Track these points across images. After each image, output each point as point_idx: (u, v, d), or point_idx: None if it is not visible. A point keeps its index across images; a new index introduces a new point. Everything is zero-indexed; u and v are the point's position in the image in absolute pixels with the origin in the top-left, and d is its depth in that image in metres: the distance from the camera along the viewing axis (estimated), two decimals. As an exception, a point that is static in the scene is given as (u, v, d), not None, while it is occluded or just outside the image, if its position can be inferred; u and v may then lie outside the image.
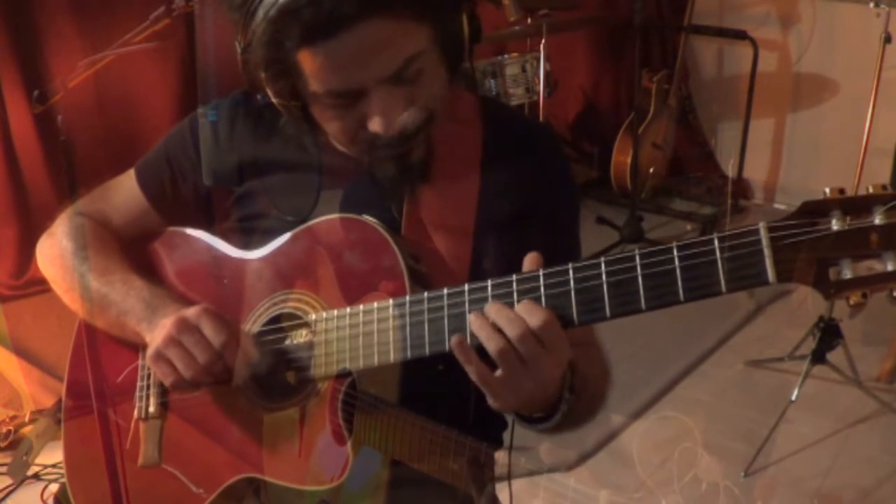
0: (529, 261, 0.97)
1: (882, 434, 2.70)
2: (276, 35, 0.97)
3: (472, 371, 0.95)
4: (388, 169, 1.09)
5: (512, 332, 0.92)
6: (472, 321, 0.95)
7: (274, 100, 1.06)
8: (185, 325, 1.11)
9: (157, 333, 1.14)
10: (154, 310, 1.18)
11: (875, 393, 2.78)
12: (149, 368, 1.22)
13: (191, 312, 1.13)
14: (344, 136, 1.08)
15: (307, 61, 0.99)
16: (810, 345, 2.70)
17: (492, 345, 0.93)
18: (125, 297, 1.21)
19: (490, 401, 0.98)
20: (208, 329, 1.11)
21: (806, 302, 3.32)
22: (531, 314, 0.93)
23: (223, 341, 1.11)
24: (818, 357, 2.65)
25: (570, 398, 1.03)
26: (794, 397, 2.58)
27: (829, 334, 2.66)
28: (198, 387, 1.16)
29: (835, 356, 2.69)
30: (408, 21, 0.99)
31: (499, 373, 0.94)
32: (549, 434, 1.09)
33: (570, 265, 0.93)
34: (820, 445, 2.65)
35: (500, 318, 0.93)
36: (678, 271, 0.87)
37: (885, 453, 2.61)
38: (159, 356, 1.13)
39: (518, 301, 0.94)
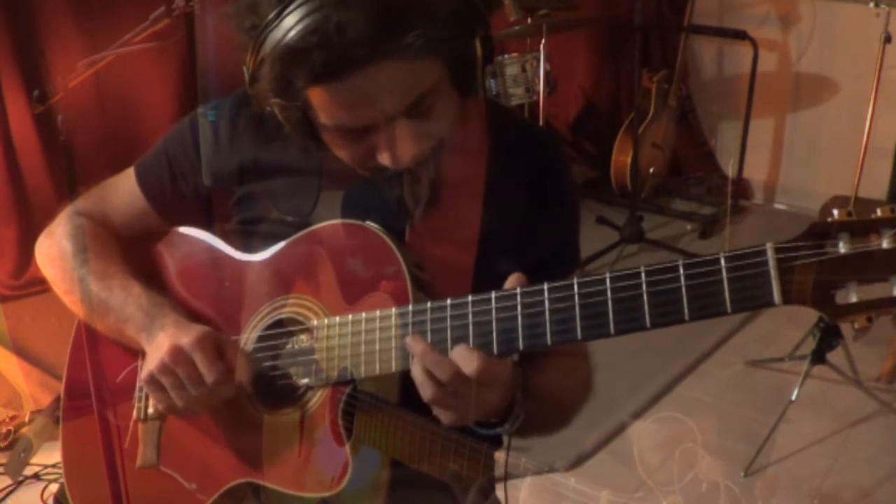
0: (512, 281, 0.98)
1: (882, 434, 2.70)
2: (284, 72, 0.96)
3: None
4: (395, 191, 1.08)
5: (446, 378, 0.96)
6: (414, 369, 0.99)
7: (284, 123, 1.05)
8: (179, 355, 1.11)
9: (152, 353, 1.14)
10: (153, 319, 1.17)
11: (875, 393, 2.78)
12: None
13: (186, 341, 1.11)
14: (353, 164, 1.06)
15: (316, 97, 0.98)
16: (810, 345, 2.70)
17: (426, 392, 0.98)
18: (124, 303, 1.20)
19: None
20: (202, 363, 1.11)
21: (806, 302, 3.31)
22: (466, 362, 0.95)
23: (215, 379, 1.11)
24: (818, 357, 2.65)
25: (521, 399, 1.05)
26: (794, 397, 2.58)
27: (829, 334, 2.65)
28: (189, 414, 1.16)
29: (835, 356, 2.69)
30: (420, 60, 0.96)
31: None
32: (516, 436, 1.11)
33: (574, 280, 0.92)
34: (820, 445, 2.65)
35: (435, 368, 0.97)
36: (684, 290, 0.87)
37: (885, 453, 2.61)
38: (153, 380, 1.13)
39: (522, 314, 0.95)
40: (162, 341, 1.13)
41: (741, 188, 4.40)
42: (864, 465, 2.57)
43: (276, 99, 1.00)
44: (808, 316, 2.87)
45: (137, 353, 1.25)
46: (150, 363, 1.13)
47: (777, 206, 4.50)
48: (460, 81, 1.03)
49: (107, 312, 1.21)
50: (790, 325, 3.20)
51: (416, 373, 0.98)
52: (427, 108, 1.00)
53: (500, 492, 1.26)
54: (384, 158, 1.01)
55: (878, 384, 2.91)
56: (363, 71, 0.93)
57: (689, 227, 4.21)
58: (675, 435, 2.62)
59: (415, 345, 0.98)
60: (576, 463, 2.55)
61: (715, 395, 2.94)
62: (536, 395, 1.08)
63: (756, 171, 4.48)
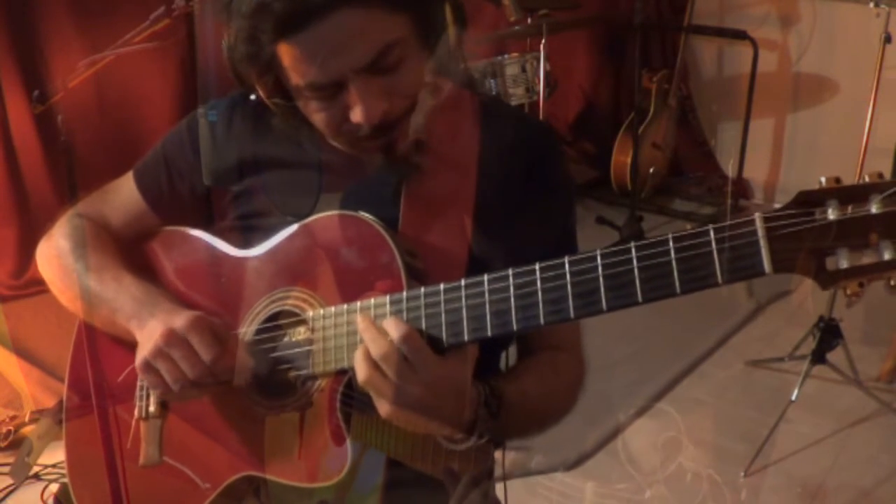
0: None
1: (882, 434, 2.71)
2: (252, 30, 0.99)
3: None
4: (375, 160, 1.09)
5: (379, 353, 0.97)
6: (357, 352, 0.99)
7: (263, 96, 1.07)
8: (173, 338, 1.10)
9: (145, 339, 1.14)
10: (142, 306, 1.17)
11: (875, 393, 2.78)
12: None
13: (179, 324, 1.11)
14: (329, 129, 1.08)
15: (284, 54, 1.00)
16: (810, 345, 2.70)
17: (361, 372, 0.98)
18: (116, 294, 1.20)
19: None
20: (197, 343, 1.10)
21: (806, 302, 3.32)
22: (395, 328, 0.97)
23: (212, 357, 1.10)
24: (818, 357, 2.65)
25: (485, 418, 1.04)
26: (794, 397, 2.58)
27: (829, 334, 2.66)
28: (187, 398, 1.16)
29: (835, 356, 2.69)
30: (381, 10, 0.99)
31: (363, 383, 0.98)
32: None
33: (565, 259, 0.93)
34: (820, 445, 2.65)
35: (372, 343, 0.98)
36: (674, 263, 0.87)
37: (885, 453, 2.61)
38: (147, 366, 1.13)
39: (514, 295, 0.95)
40: (154, 328, 1.13)
41: (741, 188, 4.40)
42: (864, 465, 2.57)
43: (250, 67, 1.03)
44: (808, 316, 2.88)
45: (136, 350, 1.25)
46: (144, 349, 1.12)
47: (777, 206, 4.46)
48: (429, 41, 1.05)
49: (100, 305, 1.21)
50: (790, 325, 3.21)
51: (358, 355, 0.99)
52: (395, 62, 1.01)
53: (500, 492, 1.26)
54: (355, 114, 1.02)
55: (878, 384, 2.91)
56: (325, 20, 0.96)
57: (689, 227, 4.17)
58: (675, 434, 2.63)
59: (360, 323, 1.00)
60: (576, 463, 2.54)
61: (715, 395, 2.94)
62: (508, 409, 1.08)
63: (756, 171, 4.48)
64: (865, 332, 3.14)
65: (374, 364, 0.97)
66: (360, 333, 0.99)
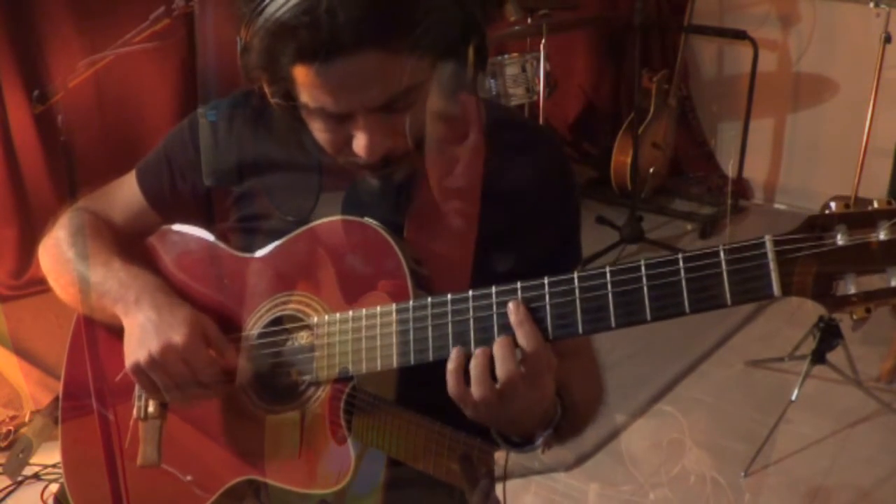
0: None
1: (882, 434, 2.71)
2: (273, 46, 0.97)
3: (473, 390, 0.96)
4: (372, 184, 1.09)
5: (530, 347, 0.94)
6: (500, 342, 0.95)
7: (270, 99, 1.07)
8: (170, 355, 1.10)
9: (133, 334, 1.13)
10: (128, 289, 1.18)
11: (875, 393, 2.78)
12: None
13: (178, 340, 1.10)
14: (330, 149, 1.08)
15: (300, 75, 0.99)
16: (810, 345, 2.70)
17: (507, 365, 0.94)
18: (104, 278, 1.21)
19: (469, 412, 0.98)
20: (196, 364, 1.11)
21: (806, 302, 3.31)
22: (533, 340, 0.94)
23: (208, 378, 1.11)
24: (818, 357, 2.65)
25: (549, 434, 1.04)
26: (794, 397, 2.58)
27: (829, 334, 2.66)
28: (182, 403, 1.17)
29: (835, 356, 2.69)
30: (406, 55, 0.97)
31: (498, 386, 0.95)
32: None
33: (574, 274, 0.93)
34: (820, 445, 2.65)
35: (528, 338, 0.94)
36: (684, 283, 0.88)
37: (885, 453, 2.61)
38: (140, 372, 1.13)
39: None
40: (146, 329, 1.12)
41: (741, 188, 4.40)
42: (864, 465, 2.57)
43: (262, 72, 1.02)
44: (808, 316, 2.87)
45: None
46: (137, 352, 1.12)
47: (777, 206, 4.50)
48: (448, 85, 1.03)
49: (90, 291, 1.22)
50: (790, 325, 3.20)
51: (501, 346, 0.95)
52: (408, 105, 1.01)
53: (499, 492, 1.26)
54: (358, 146, 1.02)
55: (878, 384, 2.91)
56: (348, 58, 0.94)
57: (689, 227, 4.21)
58: (674, 435, 2.63)
59: (515, 314, 0.95)
60: (575, 463, 2.55)
61: (715, 395, 2.93)
62: (567, 418, 1.07)
63: (756, 171, 4.48)
64: (865, 332, 3.13)
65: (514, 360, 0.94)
66: (515, 326, 0.94)
